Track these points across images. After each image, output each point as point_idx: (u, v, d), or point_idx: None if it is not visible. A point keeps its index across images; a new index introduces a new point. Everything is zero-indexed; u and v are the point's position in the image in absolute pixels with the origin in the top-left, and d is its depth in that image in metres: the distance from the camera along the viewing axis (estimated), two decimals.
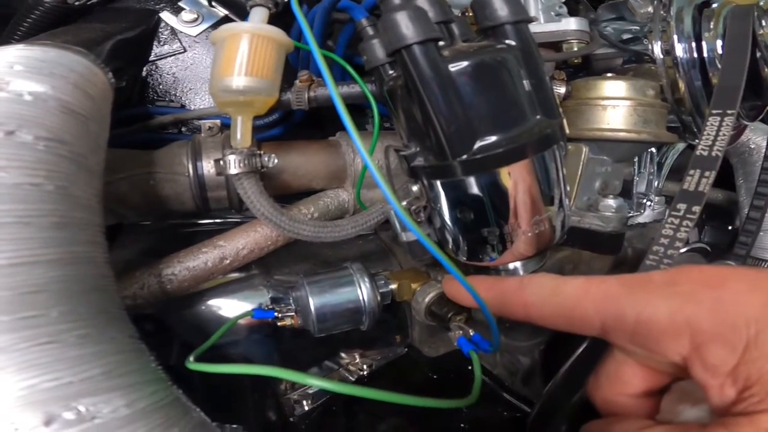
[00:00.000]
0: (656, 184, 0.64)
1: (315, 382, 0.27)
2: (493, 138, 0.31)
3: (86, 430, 0.21)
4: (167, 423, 0.24)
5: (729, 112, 0.39)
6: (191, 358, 0.32)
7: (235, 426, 0.37)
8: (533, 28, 0.53)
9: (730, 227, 0.78)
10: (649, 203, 0.62)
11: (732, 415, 0.24)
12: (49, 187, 0.25)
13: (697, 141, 0.39)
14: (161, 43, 0.52)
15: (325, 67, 0.30)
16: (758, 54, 0.46)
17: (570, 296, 0.29)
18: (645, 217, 0.62)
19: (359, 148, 0.27)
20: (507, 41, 0.33)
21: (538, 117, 0.32)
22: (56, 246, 0.25)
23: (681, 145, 0.65)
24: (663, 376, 0.29)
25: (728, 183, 0.72)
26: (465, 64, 0.30)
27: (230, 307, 0.45)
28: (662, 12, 0.50)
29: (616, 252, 0.46)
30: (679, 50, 0.49)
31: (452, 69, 0.30)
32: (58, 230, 0.25)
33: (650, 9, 0.57)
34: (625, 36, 0.62)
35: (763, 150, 0.59)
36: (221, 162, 0.36)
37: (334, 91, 0.29)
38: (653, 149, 0.62)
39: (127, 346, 0.26)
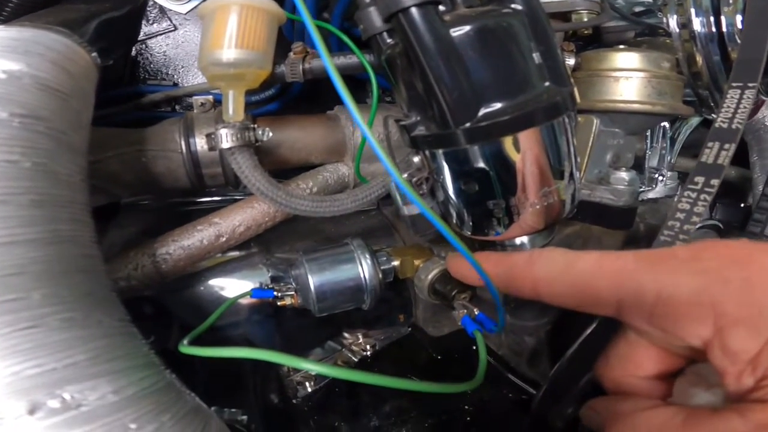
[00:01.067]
0: (669, 159, 0.62)
1: (310, 367, 0.26)
2: (499, 105, 0.29)
3: (72, 418, 0.21)
4: (158, 409, 0.23)
5: (750, 85, 0.38)
6: (185, 342, 0.31)
7: (234, 410, 0.36)
8: None
9: (742, 204, 0.76)
10: (661, 178, 0.61)
11: (747, 401, 0.22)
12: (27, 164, 0.24)
13: (714, 115, 0.37)
14: (150, 22, 0.51)
15: (317, 35, 0.28)
16: None
17: (583, 272, 0.27)
18: (657, 192, 0.61)
19: (355, 116, 0.26)
20: (513, 5, 0.31)
21: (546, 84, 0.31)
22: (36, 225, 0.24)
23: (695, 121, 0.63)
24: (678, 359, 0.27)
25: (741, 160, 0.70)
26: (467, 28, 0.29)
27: (229, 287, 0.44)
28: None
29: (627, 227, 0.44)
30: (697, 24, 0.47)
31: (454, 34, 0.28)
32: (38, 208, 0.24)
33: None
34: (638, 8, 0.60)
35: None
36: (213, 136, 0.34)
37: (328, 60, 0.28)
38: (666, 124, 0.60)
39: (115, 330, 0.25)
